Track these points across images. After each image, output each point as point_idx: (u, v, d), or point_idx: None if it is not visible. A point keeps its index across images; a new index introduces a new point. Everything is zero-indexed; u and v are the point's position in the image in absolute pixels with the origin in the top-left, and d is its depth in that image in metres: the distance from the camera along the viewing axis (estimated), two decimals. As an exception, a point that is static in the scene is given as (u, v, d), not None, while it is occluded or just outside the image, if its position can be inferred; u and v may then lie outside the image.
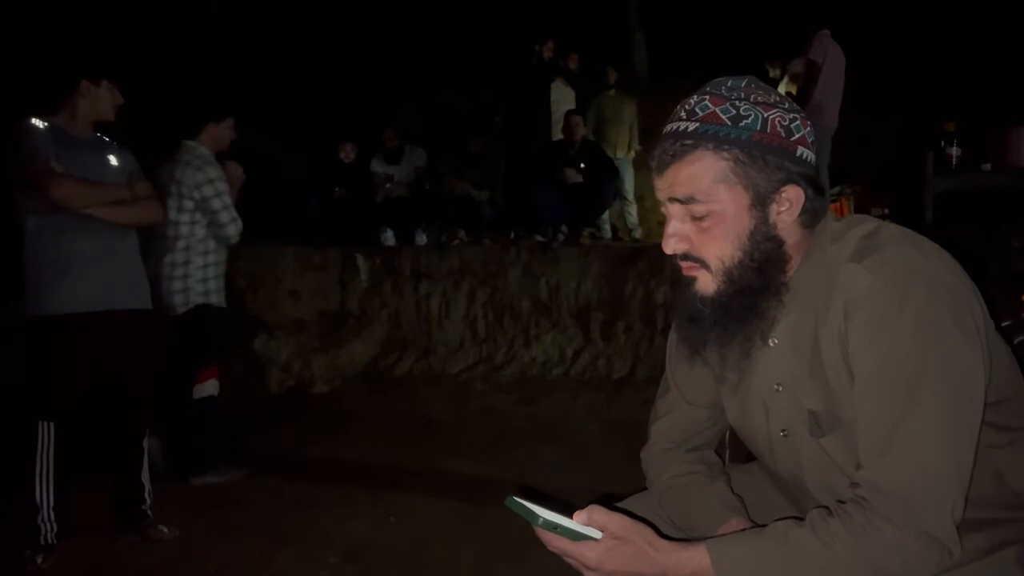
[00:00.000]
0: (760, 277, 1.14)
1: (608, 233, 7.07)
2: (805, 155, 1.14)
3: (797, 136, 1.14)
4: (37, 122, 2.82)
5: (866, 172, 6.75)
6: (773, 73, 6.99)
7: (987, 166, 5.11)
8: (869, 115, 6.84)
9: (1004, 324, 1.36)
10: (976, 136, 5.32)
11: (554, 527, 1.00)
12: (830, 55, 5.37)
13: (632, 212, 7.27)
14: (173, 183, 3.57)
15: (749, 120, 1.11)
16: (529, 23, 7.86)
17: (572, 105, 7.08)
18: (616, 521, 1.04)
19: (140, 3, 8.11)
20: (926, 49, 7.58)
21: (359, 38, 9.00)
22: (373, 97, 8.57)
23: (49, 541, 2.86)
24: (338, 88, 8.53)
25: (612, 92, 7.26)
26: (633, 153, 7.31)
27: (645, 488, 1.45)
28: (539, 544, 1.06)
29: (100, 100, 2.90)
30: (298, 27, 8.84)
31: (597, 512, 1.04)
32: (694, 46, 9.37)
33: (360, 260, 6.14)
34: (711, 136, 1.11)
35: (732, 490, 1.35)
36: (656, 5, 9.41)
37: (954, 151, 5.19)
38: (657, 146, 1.16)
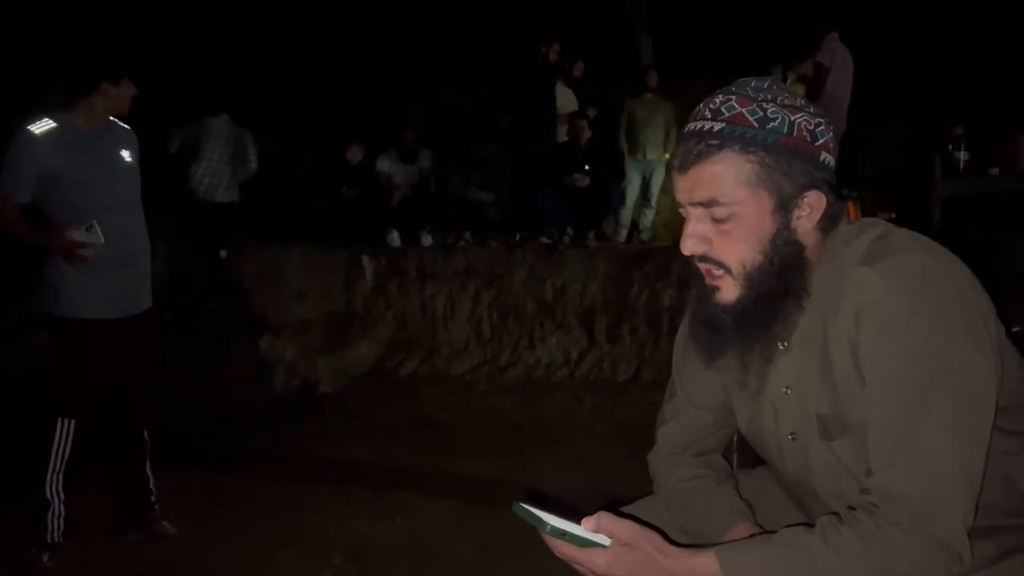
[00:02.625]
0: (780, 282, 1.13)
1: (623, 236, 7.05)
2: (827, 160, 1.13)
3: (821, 141, 1.12)
4: (38, 129, 2.76)
5: (869, 174, 6.73)
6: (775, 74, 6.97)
7: (995, 170, 5.10)
8: (870, 116, 6.82)
9: (1014, 330, 1.35)
10: (982, 140, 5.31)
11: (562, 534, 0.99)
12: (838, 58, 5.37)
13: (649, 215, 7.24)
14: None
15: (776, 123, 1.09)
16: (530, 23, 7.83)
17: (575, 107, 7.07)
18: (625, 528, 1.03)
19: (141, 3, 8.13)
20: (926, 49, 7.55)
21: (358, 38, 8.99)
22: (374, 97, 8.56)
23: (55, 539, 2.87)
24: (338, 88, 8.51)
25: (648, 95, 7.22)
26: (667, 156, 7.25)
27: (649, 491, 1.44)
28: (540, 545, 1.05)
29: (119, 99, 2.89)
30: (298, 27, 8.83)
31: (605, 518, 1.03)
32: (694, 46, 9.34)
33: (365, 261, 6.13)
34: (737, 137, 1.09)
35: (739, 494, 1.35)
36: (659, 5, 9.40)
37: (962, 155, 5.18)
38: (680, 144, 1.14)
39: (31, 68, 5.86)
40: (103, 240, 2.77)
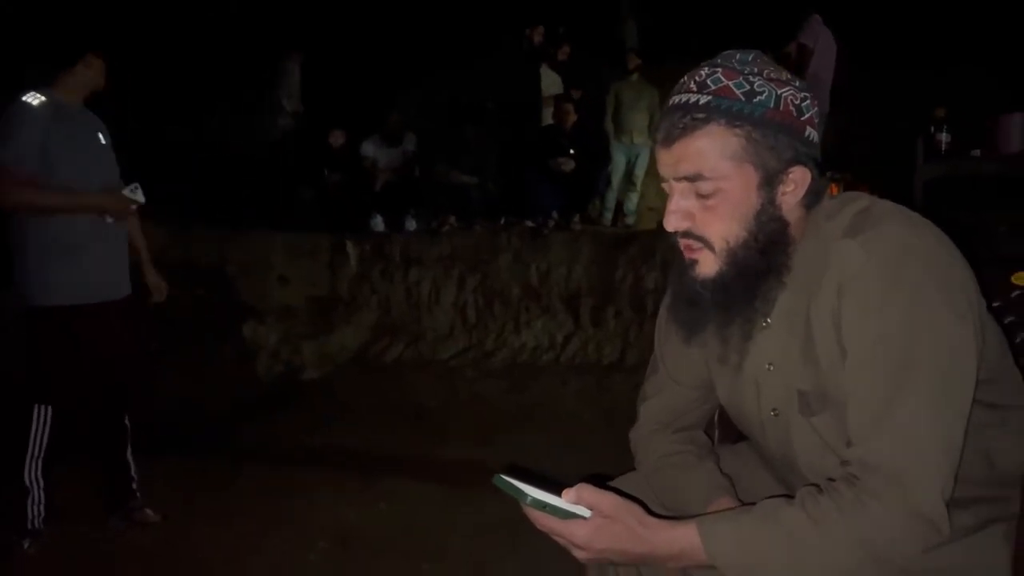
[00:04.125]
0: (763, 258, 1.12)
1: (609, 219, 7.06)
2: (812, 135, 1.12)
3: (807, 116, 1.11)
4: (32, 100, 2.74)
5: (857, 160, 6.75)
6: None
7: (976, 152, 5.11)
8: (867, 114, 6.84)
9: (994, 305, 1.36)
10: (966, 123, 5.31)
11: (542, 506, 0.99)
12: (821, 40, 5.38)
13: (634, 199, 7.25)
14: None
15: (763, 96, 1.08)
16: (526, 16, 7.77)
17: (559, 90, 7.05)
18: (605, 499, 1.03)
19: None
20: (925, 49, 7.57)
21: (359, 36, 8.92)
22: (372, 94, 8.51)
23: (36, 526, 2.84)
24: (336, 86, 8.45)
25: (633, 77, 7.20)
26: (652, 139, 7.23)
27: (634, 470, 1.44)
28: (529, 529, 1.05)
29: (101, 72, 2.85)
30: (296, 21, 8.75)
31: (586, 491, 1.03)
32: (694, 46, 9.33)
33: (349, 246, 6.10)
34: (724, 111, 1.08)
35: (721, 470, 1.35)
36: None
37: (944, 137, 5.18)
38: (665, 118, 1.13)
39: (32, 40, 5.76)
40: (144, 200, 2.86)
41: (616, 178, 7.10)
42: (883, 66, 7.12)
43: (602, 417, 4.44)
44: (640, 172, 7.13)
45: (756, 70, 1.10)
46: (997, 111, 4.91)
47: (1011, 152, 4.90)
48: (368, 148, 6.86)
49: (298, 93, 7.69)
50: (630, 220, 7.16)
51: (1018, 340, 1.39)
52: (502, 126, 6.93)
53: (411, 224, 6.45)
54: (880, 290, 1.03)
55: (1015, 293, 1.44)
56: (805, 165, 1.11)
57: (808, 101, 1.12)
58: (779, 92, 1.09)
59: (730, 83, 1.09)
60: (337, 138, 6.81)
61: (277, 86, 7.59)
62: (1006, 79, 6.83)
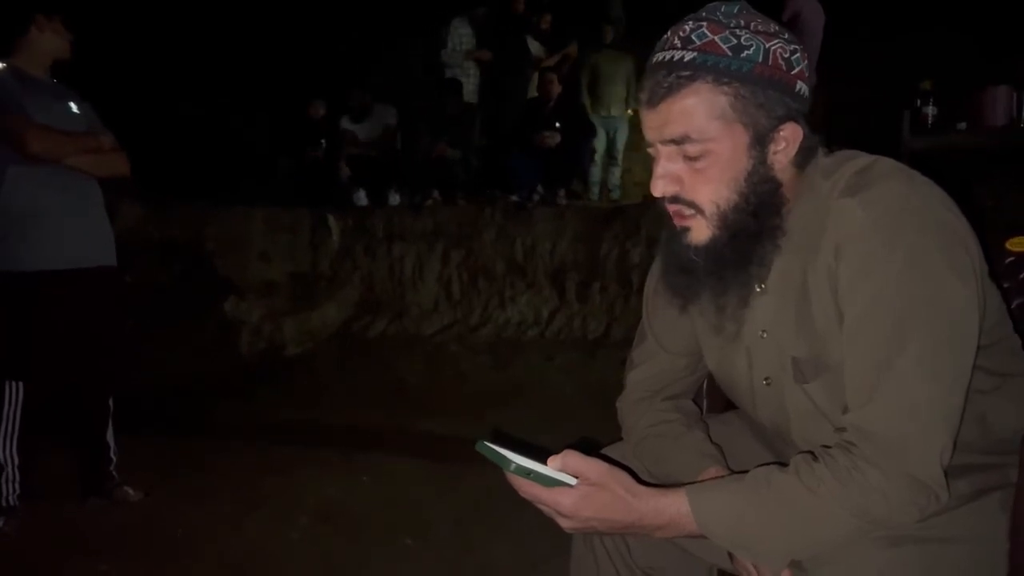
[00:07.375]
0: (756, 221, 1.07)
1: (596, 194, 7.00)
2: (803, 90, 1.07)
3: (797, 69, 1.06)
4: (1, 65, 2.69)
5: (841, 136, 6.71)
6: None
7: (962, 125, 5.09)
8: (852, 85, 6.77)
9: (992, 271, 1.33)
10: (953, 95, 5.29)
11: (527, 473, 0.95)
12: (807, 10, 5.32)
13: (616, 173, 7.18)
14: None
15: (751, 51, 1.02)
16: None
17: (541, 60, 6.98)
18: (592, 467, 0.99)
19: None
20: (909, 14, 7.51)
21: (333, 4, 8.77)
22: (344, 57, 8.37)
23: (11, 503, 2.79)
24: (309, 50, 8.30)
25: (609, 48, 7.13)
26: (630, 111, 7.15)
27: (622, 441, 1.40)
28: (514, 503, 1.01)
29: (58, 35, 2.77)
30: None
31: (572, 457, 0.99)
32: (672, 11, 9.21)
33: (331, 221, 6.04)
34: (710, 67, 1.02)
35: (710, 439, 1.31)
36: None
37: (930, 110, 5.15)
38: (648, 76, 1.06)
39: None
40: None
41: (599, 152, 7.03)
42: (868, 36, 7.06)
43: (587, 392, 4.42)
44: (620, 146, 7.07)
45: (743, 23, 1.04)
46: (983, 80, 4.89)
47: (996, 125, 4.89)
48: (346, 122, 6.77)
49: None
50: (614, 195, 7.10)
51: (1014, 306, 1.36)
52: (486, 98, 6.86)
53: (394, 199, 6.38)
54: (878, 250, 0.99)
55: (1009, 259, 1.41)
56: (796, 121, 1.06)
57: (798, 54, 1.06)
58: (767, 45, 1.03)
59: (716, 38, 1.03)
60: (317, 109, 6.70)
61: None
62: (989, 46, 6.79)
